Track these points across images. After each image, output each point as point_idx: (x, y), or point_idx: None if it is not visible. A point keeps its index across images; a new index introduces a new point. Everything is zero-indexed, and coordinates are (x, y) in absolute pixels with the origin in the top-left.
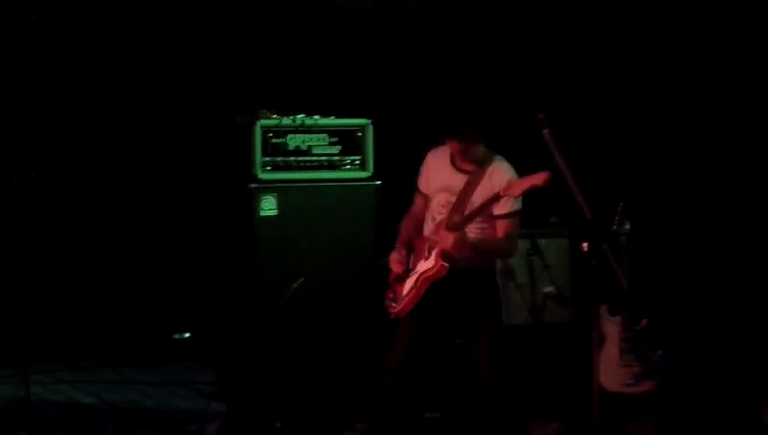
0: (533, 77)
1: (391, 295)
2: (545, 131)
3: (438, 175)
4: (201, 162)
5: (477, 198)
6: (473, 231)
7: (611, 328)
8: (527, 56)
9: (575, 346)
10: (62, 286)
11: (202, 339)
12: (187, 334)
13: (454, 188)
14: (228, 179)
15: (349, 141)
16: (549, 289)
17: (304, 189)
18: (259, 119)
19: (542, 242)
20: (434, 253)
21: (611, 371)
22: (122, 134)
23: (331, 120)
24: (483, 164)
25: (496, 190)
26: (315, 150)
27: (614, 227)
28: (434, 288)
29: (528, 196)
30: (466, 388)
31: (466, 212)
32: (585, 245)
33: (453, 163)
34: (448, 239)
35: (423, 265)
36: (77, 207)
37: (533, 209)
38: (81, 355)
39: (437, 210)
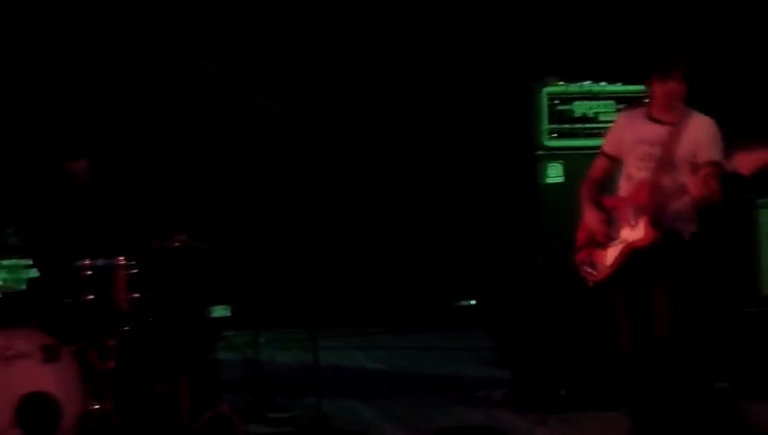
0: None
1: (587, 260)
2: None
3: (633, 130)
4: (487, 129)
5: (683, 150)
6: (676, 183)
7: None
8: None
9: None
10: (351, 253)
11: (487, 306)
12: (472, 302)
13: (652, 139)
14: (514, 147)
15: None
16: None
17: (590, 157)
18: (545, 86)
19: None
20: (642, 221)
21: None
22: (409, 103)
23: (618, 87)
24: (684, 115)
25: (700, 142)
26: (602, 117)
27: None
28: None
29: None
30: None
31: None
32: None
33: (650, 116)
34: (671, 205)
35: (630, 234)
36: (364, 174)
37: None
38: (369, 322)
39: (635, 165)
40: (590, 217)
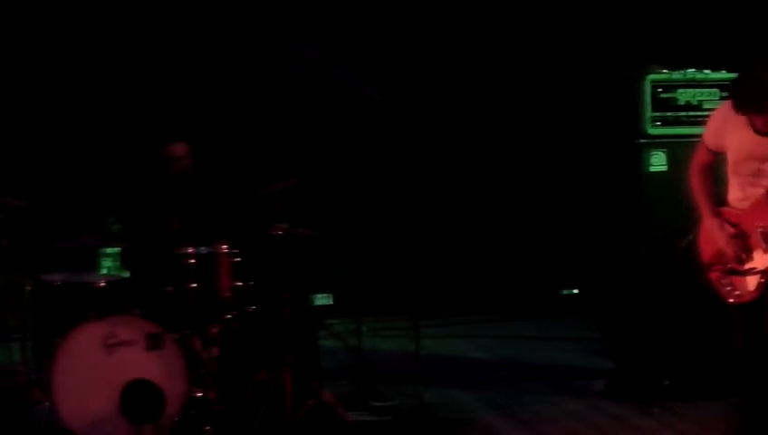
0: None
1: (725, 281)
2: None
3: (735, 135)
4: (590, 118)
5: None
6: None
7: None
8: None
9: None
10: (454, 241)
11: (590, 295)
12: (574, 290)
13: (761, 156)
14: (617, 135)
15: None
16: None
17: (694, 145)
18: (649, 73)
19: None
20: None
21: None
22: (512, 91)
23: (722, 74)
24: None
25: None
26: (705, 105)
27: None
28: None
29: None
30: None
31: None
32: None
33: (752, 125)
34: None
35: (765, 260)
36: (468, 162)
37: None
38: (472, 310)
39: (747, 180)
40: (719, 237)
